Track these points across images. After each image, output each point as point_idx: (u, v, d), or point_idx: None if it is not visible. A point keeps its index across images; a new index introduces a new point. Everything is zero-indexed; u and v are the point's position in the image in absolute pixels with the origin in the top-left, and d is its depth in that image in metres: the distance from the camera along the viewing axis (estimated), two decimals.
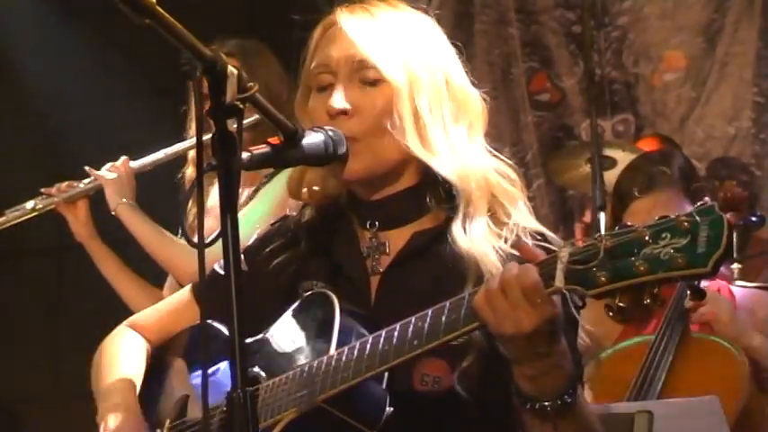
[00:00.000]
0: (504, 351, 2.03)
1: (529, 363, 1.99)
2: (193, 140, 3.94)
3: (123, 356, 2.45)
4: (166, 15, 1.79)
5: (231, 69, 1.86)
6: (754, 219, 4.44)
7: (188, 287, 2.51)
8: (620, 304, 3.60)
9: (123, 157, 4.00)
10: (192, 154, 3.98)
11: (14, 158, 6.37)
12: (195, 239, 1.84)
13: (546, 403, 2.01)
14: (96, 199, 4.04)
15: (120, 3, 1.73)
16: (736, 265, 4.34)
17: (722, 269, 3.91)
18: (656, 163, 3.79)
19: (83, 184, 4.04)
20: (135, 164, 4.00)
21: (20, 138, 6.47)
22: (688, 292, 3.63)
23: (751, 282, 4.25)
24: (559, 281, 1.90)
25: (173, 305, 2.52)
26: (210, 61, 1.84)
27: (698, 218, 1.81)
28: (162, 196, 3.91)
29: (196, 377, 2.35)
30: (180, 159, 4.04)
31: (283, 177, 3.64)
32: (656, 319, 3.75)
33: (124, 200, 3.91)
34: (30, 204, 4.09)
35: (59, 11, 6.37)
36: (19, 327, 6.57)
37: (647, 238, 1.83)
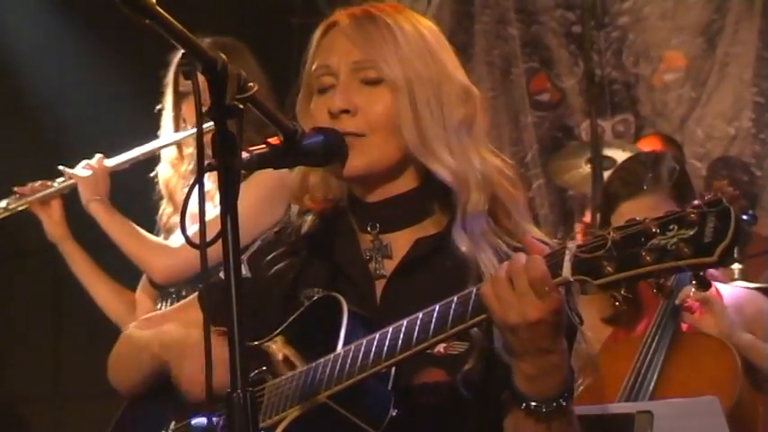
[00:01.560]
0: (508, 345, 2.03)
1: (531, 359, 1.99)
2: (167, 139, 3.94)
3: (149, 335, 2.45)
4: (166, 15, 1.79)
5: (231, 69, 1.86)
6: (744, 217, 4.44)
7: (194, 295, 2.51)
8: (626, 294, 3.61)
9: (98, 155, 3.99)
10: (165, 153, 3.98)
11: (12, 158, 6.37)
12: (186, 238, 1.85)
13: (542, 404, 2.02)
14: (71, 201, 4.04)
15: (120, 3, 1.73)
16: (736, 265, 4.34)
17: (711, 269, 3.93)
18: (645, 165, 3.79)
19: (57, 184, 4.04)
20: (110, 162, 3.99)
21: (17, 137, 6.47)
22: (693, 282, 3.64)
23: (751, 282, 4.25)
24: (567, 271, 1.91)
25: (179, 311, 2.53)
26: (211, 61, 1.84)
27: (705, 209, 1.82)
28: (134, 195, 3.92)
29: None
30: (155, 158, 4.03)
31: (257, 177, 3.63)
32: (645, 321, 3.75)
33: (97, 197, 3.90)
34: (2, 204, 4.08)
35: (59, 11, 6.37)
36: (19, 327, 6.57)
37: (654, 229, 1.85)
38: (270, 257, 2.37)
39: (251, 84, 1.89)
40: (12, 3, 6.43)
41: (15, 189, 4.09)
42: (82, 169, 3.97)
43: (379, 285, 2.27)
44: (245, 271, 2.32)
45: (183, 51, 1.85)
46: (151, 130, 4.05)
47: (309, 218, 2.36)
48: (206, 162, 1.87)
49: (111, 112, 6.28)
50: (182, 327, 2.37)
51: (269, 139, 2.10)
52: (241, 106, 1.87)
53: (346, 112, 2.23)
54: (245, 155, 2.00)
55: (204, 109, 1.87)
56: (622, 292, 1.92)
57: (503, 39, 6.81)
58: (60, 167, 4.02)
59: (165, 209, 3.96)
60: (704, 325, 3.65)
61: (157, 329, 2.42)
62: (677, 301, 3.66)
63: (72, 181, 3.97)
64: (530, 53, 6.79)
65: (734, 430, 3.25)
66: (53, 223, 4.07)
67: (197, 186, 1.83)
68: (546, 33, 6.75)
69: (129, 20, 1.76)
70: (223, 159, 1.86)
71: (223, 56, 1.86)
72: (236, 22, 6.28)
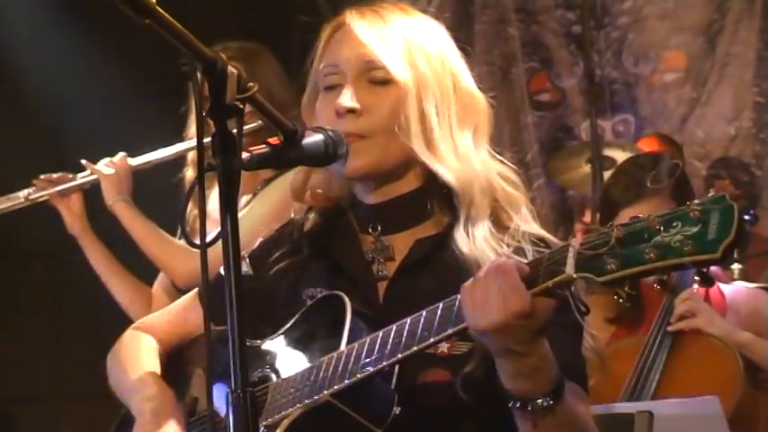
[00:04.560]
0: (486, 345, 2.03)
1: (507, 360, 1.99)
2: (192, 141, 3.94)
3: (142, 354, 2.46)
4: (166, 15, 1.79)
5: (231, 69, 1.86)
6: (746, 217, 4.44)
7: (194, 291, 2.51)
8: (630, 291, 3.62)
9: (121, 153, 3.99)
10: (191, 155, 3.98)
11: (13, 158, 6.37)
12: (194, 240, 1.84)
13: (526, 402, 2.01)
14: (92, 196, 4.04)
15: (120, 3, 1.73)
16: (736, 265, 4.34)
17: (714, 269, 3.94)
18: (645, 169, 3.78)
19: (78, 178, 4.04)
20: (133, 161, 3.99)
21: (19, 137, 6.47)
22: (696, 279, 3.65)
23: (751, 282, 4.25)
24: (570, 268, 1.90)
25: (180, 309, 2.53)
26: (211, 61, 1.84)
27: (709, 206, 1.82)
28: (160, 197, 3.92)
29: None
30: (179, 160, 4.04)
31: (281, 182, 3.65)
32: (648, 321, 3.75)
33: (121, 197, 3.91)
34: (23, 193, 4.07)
35: (59, 10, 6.37)
36: (19, 327, 6.57)
37: (658, 226, 1.84)
38: (273, 257, 2.37)
39: (251, 83, 1.89)
40: (12, 3, 6.43)
41: (34, 181, 4.09)
42: (104, 166, 3.97)
43: (382, 286, 2.27)
44: (246, 268, 2.33)
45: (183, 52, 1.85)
46: (156, 131, 4.05)
47: (312, 216, 2.36)
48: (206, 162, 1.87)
49: (115, 113, 6.28)
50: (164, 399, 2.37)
51: (269, 139, 2.10)
52: (241, 106, 1.87)
53: (352, 111, 2.24)
54: (244, 155, 2.00)
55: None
56: (626, 290, 1.92)
57: (503, 39, 6.81)
58: (83, 162, 4.01)
59: (191, 211, 3.96)
60: (695, 323, 3.66)
61: (142, 387, 2.39)
62: (672, 321, 3.65)
63: (94, 176, 3.97)
64: (530, 53, 6.79)
65: (736, 430, 3.25)
66: (73, 216, 4.06)
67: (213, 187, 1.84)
68: (546, 33, 6.75)
69: (130, 19, 1.76)
70: (223, 159, 1.86)
71: (223, 55, 1.85)
72: (238, 21, 6.28)
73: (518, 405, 2.01)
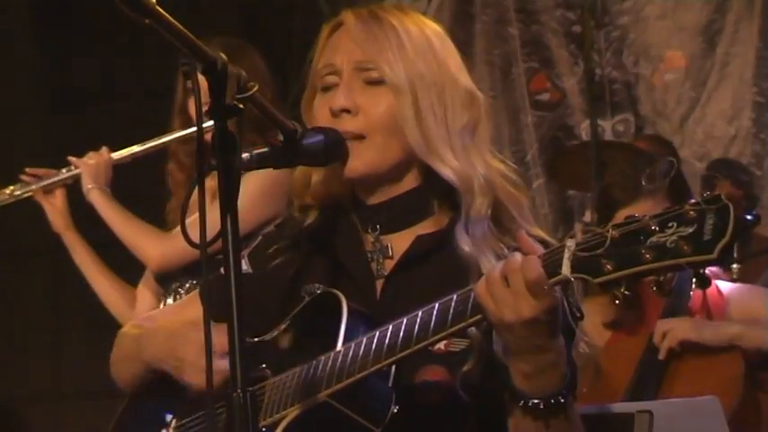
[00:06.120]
0: (503, 343, 2.03)
1: (527, 357, 1.99)
2: (170, 135, 3.98)
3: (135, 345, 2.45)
4: (167, 15, 1.79)
5: (231, 69, 1.86)
6: (749, 217, 4.43)
7: (195, 291, 2.51)
8: (626, 293, 3.63)
9: (104, 147, 4.04)
10: (172, 148, 4.02)
11: (12, 157, 6.36)
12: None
13: (539, 402, 2.01)
14: (78, 197, 4.06)
15: (120, 3, 1.73)
16: (736, 265, 4.34)
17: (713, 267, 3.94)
18: (641, 170, 3.79)
19: (63, 173, 4.08)
20: (114, 155, 4.04)
21: (19, 136, 6.48)
22: (693, 280, 3.65)
23: (751, 282, 4.25)
24: (566, 269, 1.91)
25: (181, 305, 2.53)
26: (211, 61, 1.84)
27: (704, 207, 1.82)
28: (142, 190, 3.94)
29: None
30: (162, 154, 4.07)
31: (249, 176, 3.64)
32: (647, 324, 3.75)
33: (97, 185, 3.94)
34: (8, 190, 4.12)
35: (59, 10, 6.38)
36: (19, 326, 6.57)
37: (653, 227, 1.85)
38: (271, 251, 2.37)
39: (251, 83, 1.90)
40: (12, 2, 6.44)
41: (22, 177, 4.13)
42: (87, 158, 4.02)
43: (380, 284, 2.28)
44: (245, 266, 2.33)
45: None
46: (156, 130, 4.06)
47: (311, 212, 2.37)
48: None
49: (114, 112, 6.29)
50: (165, 324, 2.37)
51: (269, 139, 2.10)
52: (241, 106, 1.87)
53: (347, 111, 2.24)
54: (245, 155, 2.01)
55: (205, 109, 1.87)
56: (623, 291, 1.92)
57: (503, 39, 6.80)
58: (69, 158, 4.05)
59: (172, 204, 3.99)
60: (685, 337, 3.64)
61: (141, 336, 2.40)
62: (660, 357, 3.64)
63: (76, 171, 4.02)
64: (530, 53, 6.78)
65: (736, 431, 3.25)
66: (56, 212, 4.10)
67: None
68: (546, 33, 6.74)
69: (130, 19, 1.76)
70: (223, 159, 1.86)
71: (223, 56, 1.86)
72: (237, 21, 6.28)
73: (530, 405, 2.01)
